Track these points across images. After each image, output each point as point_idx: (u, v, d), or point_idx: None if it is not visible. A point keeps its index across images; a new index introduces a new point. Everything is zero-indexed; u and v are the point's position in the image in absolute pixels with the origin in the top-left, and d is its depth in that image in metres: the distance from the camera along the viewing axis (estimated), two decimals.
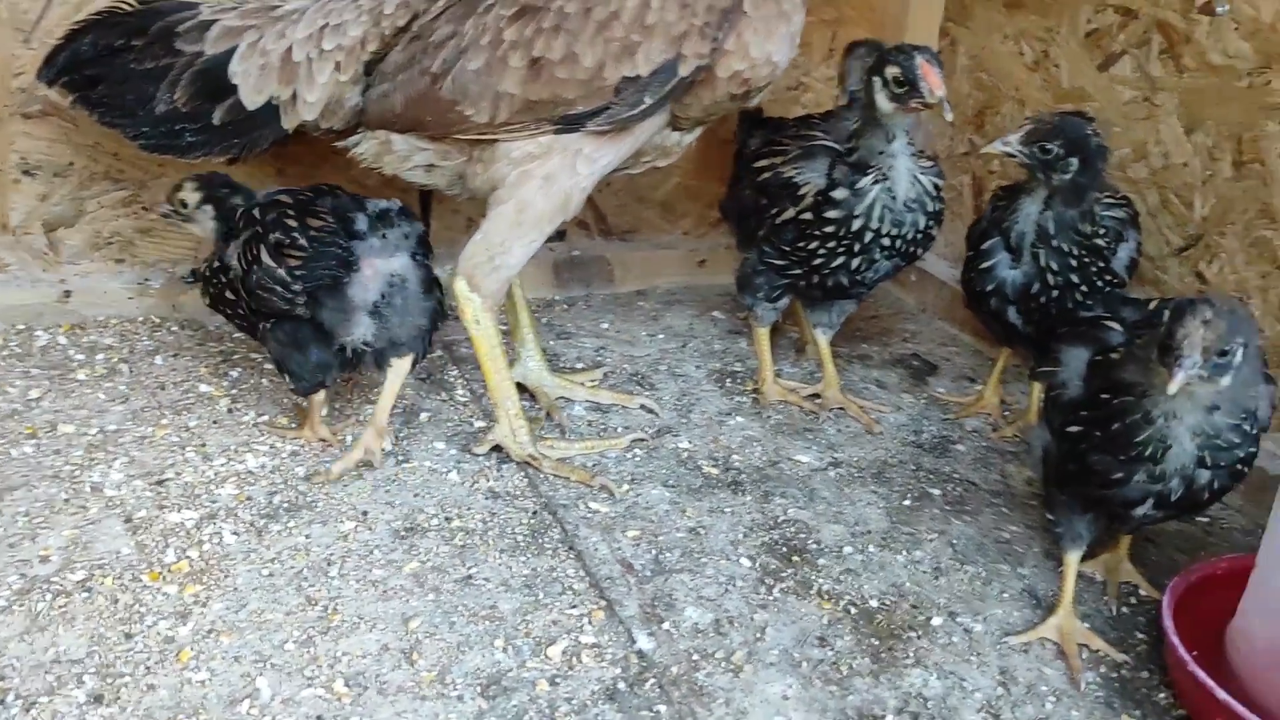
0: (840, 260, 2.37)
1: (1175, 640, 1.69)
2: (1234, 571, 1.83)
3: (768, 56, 2.09)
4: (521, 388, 2.54)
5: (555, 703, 1.67)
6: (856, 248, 2.35)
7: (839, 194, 2.32)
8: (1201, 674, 1.61)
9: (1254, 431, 1.71)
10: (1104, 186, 2.35)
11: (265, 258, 2.12)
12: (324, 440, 2.30)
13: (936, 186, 2.38)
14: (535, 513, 2.15)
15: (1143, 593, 2.04)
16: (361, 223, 2.14)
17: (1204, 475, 1.71)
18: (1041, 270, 2.28)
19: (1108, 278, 2.29)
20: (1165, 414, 1.67)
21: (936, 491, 2.32)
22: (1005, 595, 2.01)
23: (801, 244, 2.39)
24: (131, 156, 2.64)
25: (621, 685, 1.72)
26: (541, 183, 2.14)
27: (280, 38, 2.27)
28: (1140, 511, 1.78)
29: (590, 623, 1.85)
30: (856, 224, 2.32)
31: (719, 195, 3.35)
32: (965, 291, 2.46)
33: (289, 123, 2.28)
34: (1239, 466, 1.72)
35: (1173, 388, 1.57)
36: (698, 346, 2.92)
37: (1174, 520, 1.96)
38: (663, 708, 1.67)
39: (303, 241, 2.10)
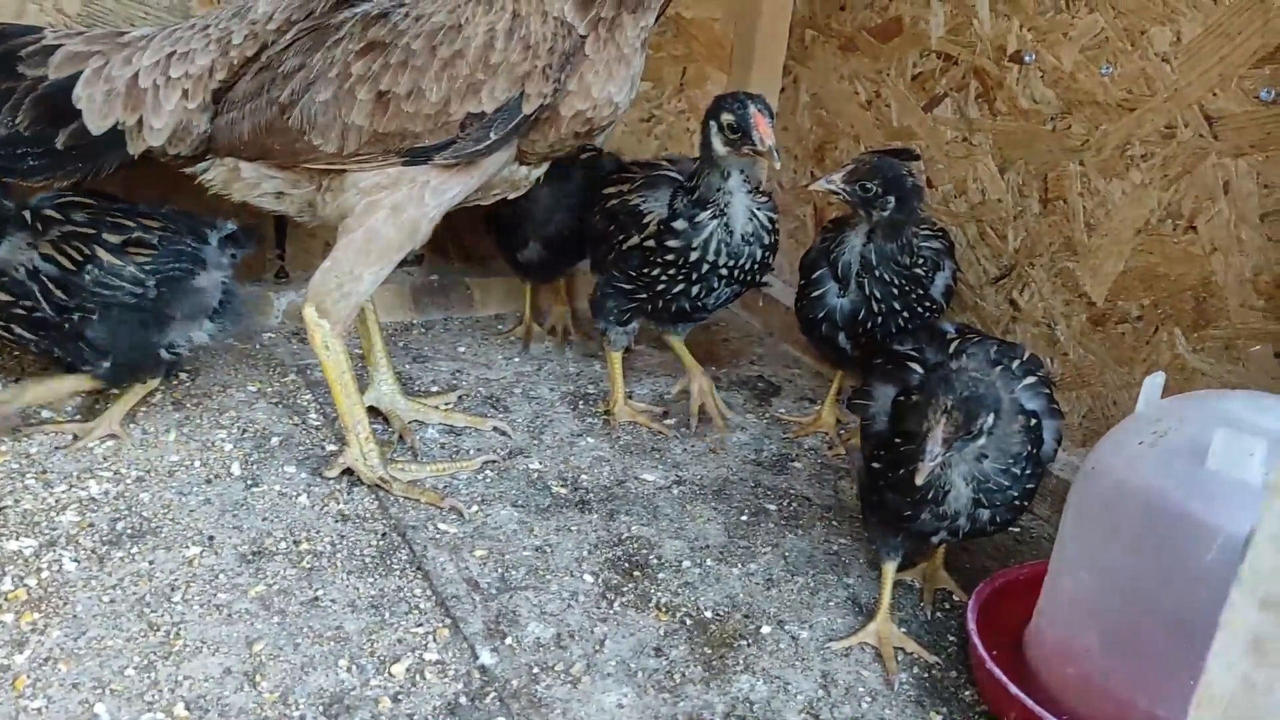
0: (680, 287, 2.49)
1: (976, 640, 1.84)
2: (1035, 577, 1.99)
3: (609, 97, 2.19)
4: (375, 411, 2.59)
5: (397, 717, 1.72)
6: (695, 276, 2.47)
7: (679, 224, 2.43)
8: (998, 671, 1.76)
9: (1025, 471, 1.87)
10: (922, 220, 2.52)
11: (105, 255, 2.24)
12: (114, 435, 2.39)
13: (771, 220, 2.52)
14: (385, 534, 2.19)
15: (956, 598, 2.20)
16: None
17: (984, 514, 1.88)
18: (867, 298, 2.44)
19: (927, 304, 2.46)
20: (946, 462, 1.82)
21: (773, 507, 2.45)
22: (831, 603, 2.14)
23: (645, 270, 2.50)
24: None
25: (463, 700, 1.78)
26: (389, 212, 2.19)
27: (126, 64, 2.28)
28: (936, 539, 1.95)
29: (435, 640, 1.91)
30: (694, 255, 2.44)
31: None
32: (798, 318, 2.61)
33: (135, 149, 2.29)
34: (1016, 502, 1.89)
35: (919, 479, 1.73)
36: (553, 369, 3.00)
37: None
38: (502, 719, 1.74)
39: (152, 240, 2.30)
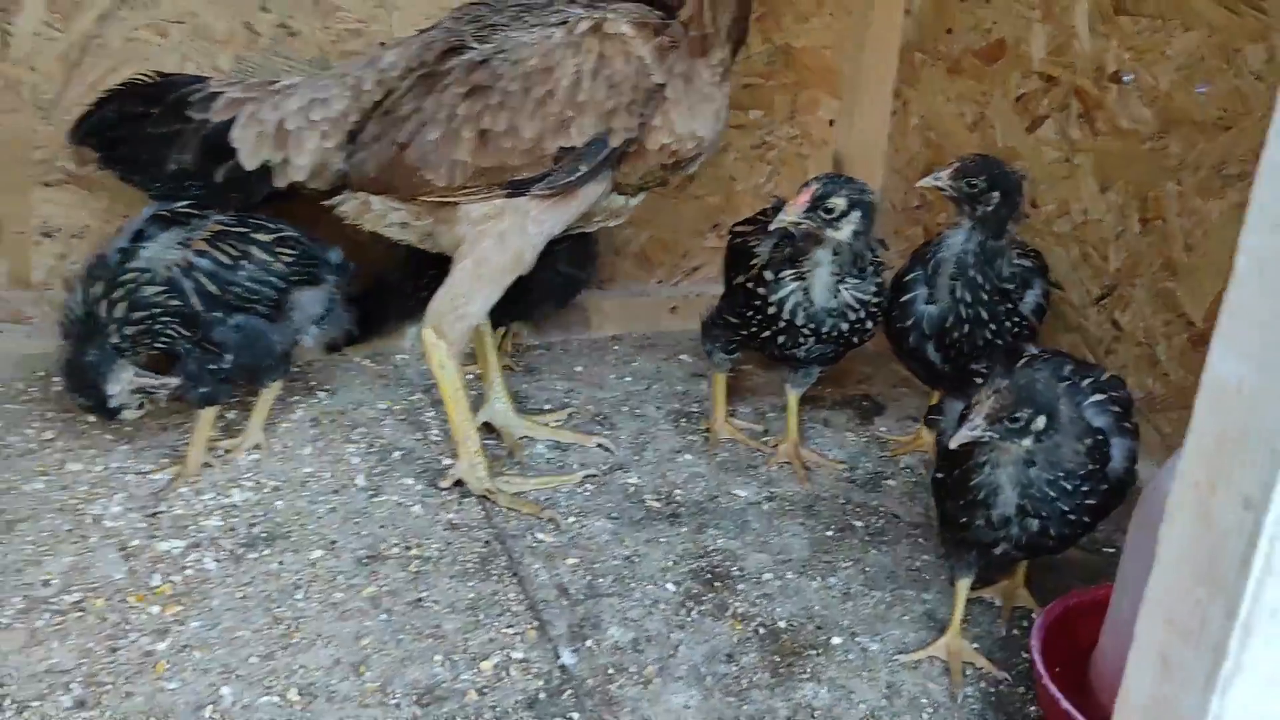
0: (767, 333, 2.56)
1: (1037, 656, 1.87)
2: (1109, 597, 2.01)
3: (692, 132, 2.33)
4: (489, 427, 2.79)
5: (481, 710, 1.89)
6: (777, 328, 2.52)
7: (768, 274, 2.52)
8: (1053, 687, 1.80)
9: (1082, 487, 1.88)
10: (1015, 241, 2.55)
11: (258, 252, 2.50)
12: (259, 446, 2.65)
13: (861, 301, 2.50)
14: (487, 542, 2.37)
15: (1035, 617, 2.22)
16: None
17: (1033, 524, 1.90)
18: (955, 303, 2.47)
19: (1016, 319, 2.48)
20: (990, 461, 1.87)
21: (860, 524, 2.52)
22: (906, 618, 2.20)
23: (742, 309, 2.59)
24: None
25: (542, 695, 1.93)
26: (496, 241, 2.39)
27: (275, 109, 2.55)
28: (999, 552, 1.99)
29: (523, 640, 2.07)
30: (772, 309, 2.52)
31: (690, 247, 3.61)
32: (887, 333, 2.66)
33: (280, 182, 2.55)
34: (1071, 517, 1.91)
35: (953, 442, 1.79)
36: (661, 389, 3.14)
37: (1059, 554, 2.14)
38: (575, 715, 1.89)
39: (298, 239, 2.58)
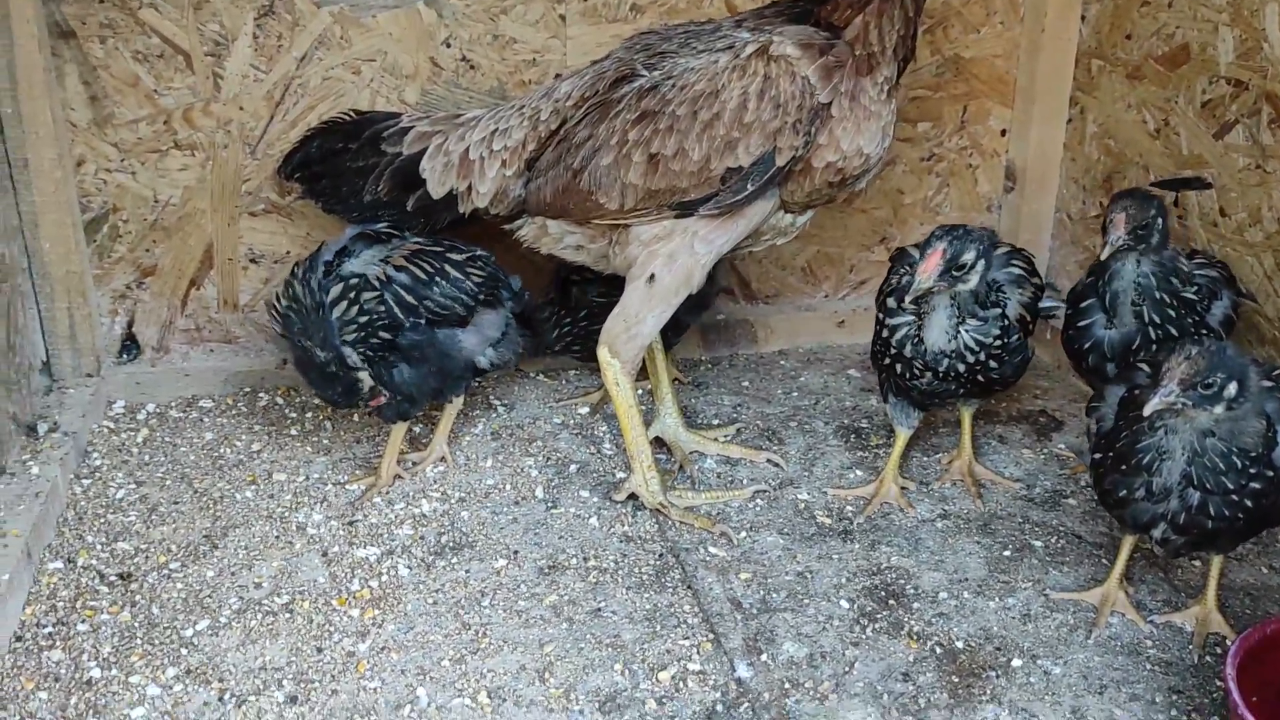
0: (887, 360, 2.51)
1: (1233, 685, 1.81)
2: None
3: (859, 149, 2.34)
4: (660, 442, 2.86)
5: (660, 719, 1.95)
6: (892, 356, 2.48)
7: (890, 302, 2.50)
8: (1250, 716, 1.73)
9: (1250, 469, 1.86)
10: (1194, 252, 2.49)
11: (450, 269, 2.66)
12: (444, 459, 2.79)
13: (981, 343, 2.41)
14: (661, 555, 2.44)
15: (1230, 643, 2.13)
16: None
17: (1194, 497, 1.88)
18: (1144, 326, 2.42)
19: (1204, 332, 2.41)
20: (1165, 427, 1.86)
21: (1039, 543, 2.47)
22: (1091, 642, 2.15)
23: (875, 332, 2.60)
24: None
25: (719, 708, 1.98)
26: (666, 260, 2.46)
27: (460, 140, 2.69)
28: (1158, 534, 1.99)
29: (699, 652, 2.12)
30: (885, 333, 2.49)
31: (857, 261, 3.60)
32: (1064, 348, 2.62)
33: (464, 209, 2.69)
34: (1234, 498, 1.88)
35: (1148, 409, 1.82)
36: (829, 404, 3.15)
37: (1217, 547, 2.09)
38: None
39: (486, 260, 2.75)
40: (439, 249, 2.71)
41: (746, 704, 1.98)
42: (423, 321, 2.63)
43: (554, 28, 3.12)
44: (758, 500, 2.65)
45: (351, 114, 2.88)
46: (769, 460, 2.80)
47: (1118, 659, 2.10)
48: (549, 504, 2.64)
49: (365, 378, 2.59)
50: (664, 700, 2.00)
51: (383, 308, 2.58)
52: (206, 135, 3.01)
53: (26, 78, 2.77)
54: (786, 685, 2.03)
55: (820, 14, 2.34)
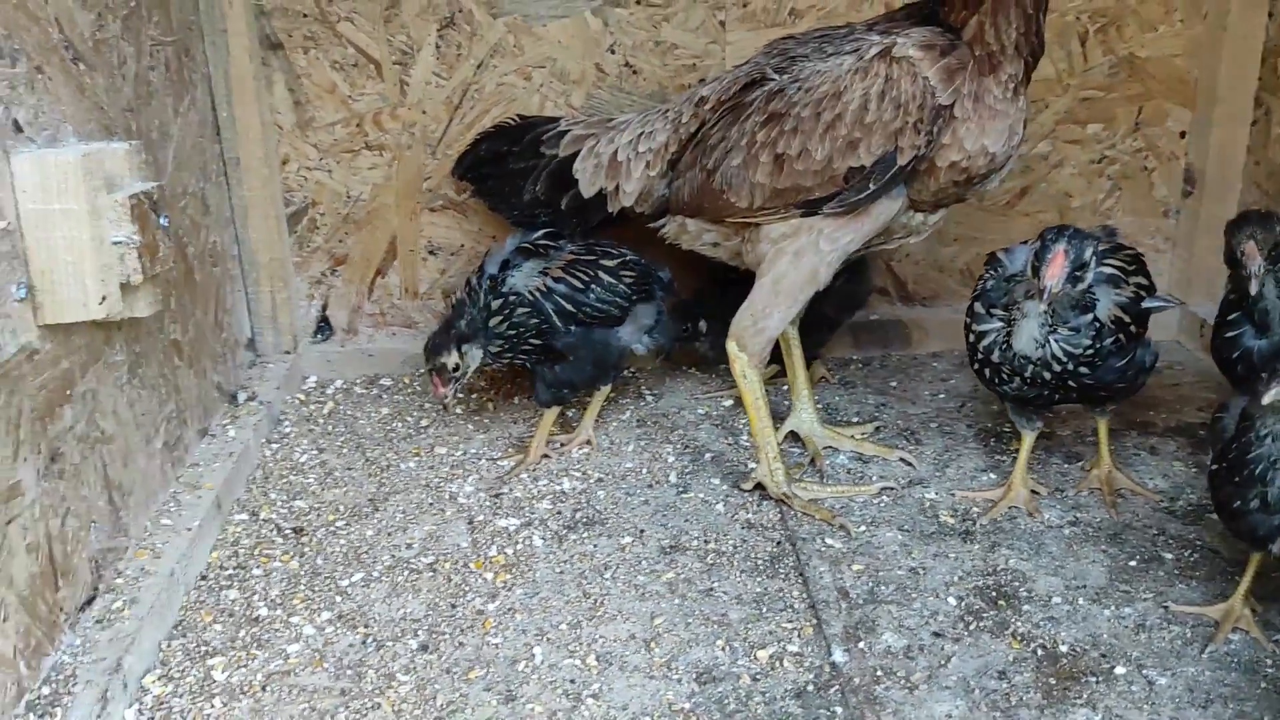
0: (976, 365, 2.51)
1: None
2: None
3: (983, 148, 2.36)
4: (795, 436, 2.94)
5: (752, 693, 2.05)
6: (979, 359, 2.47)
7: (979, 306, 2.48)
8: None
9: None
10: None
11: (605, 276, 2.88)
12: (589, 442, 2.96)
13: (1069, 354, 2.35)
14: (779, 543, 2.53)
15: None
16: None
17: None
18: None
19: None
20: (1272, 434, 1.80)
21: (1170, 556, 2.41)
22: (1205, 656, 2.10)
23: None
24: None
25: (810, 688, 2.06)
26: (792, 258, 2.54)
27: (610, 143, 2.86)
28: (1275, 549, 1.95)
29: (799, 636, 2.20)
30: (972, 338, 2.48)
31: None
32: (1212, 354, 2.55)
33: (613, 207, 2.86)
34: None
35: (1265, 399, 1.83)
36: (975, 407, 3.14)
37: None
38: (839, 709, 2.00)
39: (637, 262, 2.95)
40: (592, 257, 2.91)
41: (837, 687, 2.05)
42: (583, 324, 2.84)
43: (714, 33, 3.25)
44: (884, 497, 2.69)
45: (516, 118, 3.11)
46: (901, 459, 2.83)
47: (1230, 675, 2.05)
48: (680, 489, 2.77)
49: (458, 360, 2.81)
50: (758, 677, 2.09)
51: (535, 320, 2.81)
52: (393, 137, 3.30)
53: (240, 85, 3.13)
54: (879, 673, 2.08)
55: (943, 15, 2.37)
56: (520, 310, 2.82)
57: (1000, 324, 2.42)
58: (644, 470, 2.86)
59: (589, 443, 2.98)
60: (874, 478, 2.78)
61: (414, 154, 3.33)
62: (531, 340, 2.84)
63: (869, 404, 3.19)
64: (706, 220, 2.71)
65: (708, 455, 2.92)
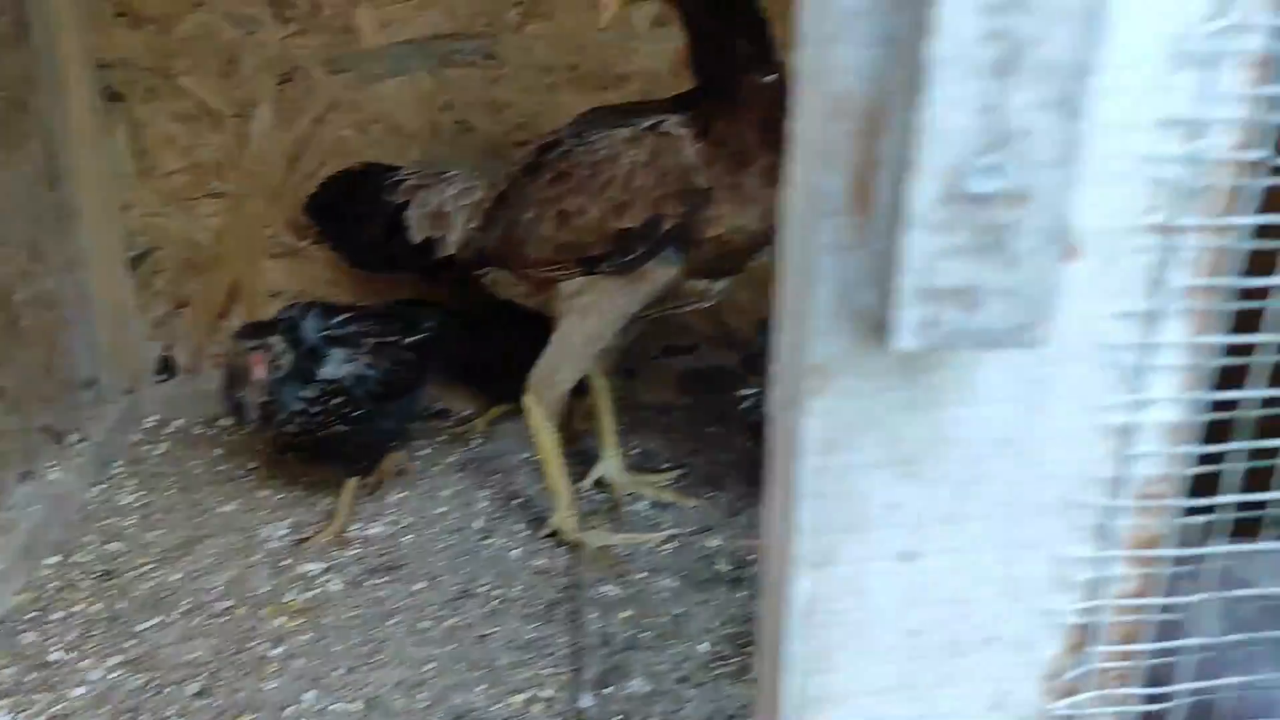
0: None
1: None
2: None
3: (741, 227, 2.53)
4: (601, 483, 3.10)
5: None
6: None
7: None
8: None
9: None
10: None
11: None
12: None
13: None
14: (565, 588, 2.67)
15: None
16: None
17: None
18: None
19: None
20: None
21: None
22: None
23: None
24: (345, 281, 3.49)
25: None
26: (580, 315, 2.70)
27: (439, 194, 3.02)
28: None
29: (555, 681, 2.35)
30: None
31: None
32: None
33: (440, 254, 3.01)
34: None
35: None
36: None
37: None
38: None
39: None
40: (392, 339, 2.98)
41: None
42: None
43: (543, 94, 3.41)
44: (674, 544, 2.85)
45: (360, 166, 3.25)
46: (695, 507, 3.00)
47: None
48: (484, 534, 2.91)
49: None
50: None
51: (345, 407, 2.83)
52: (234, 186, 3.42)
53: (79, 135, 3.24)
54: (620, 717, 2.24)
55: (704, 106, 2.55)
56: (335, 400, 2.82)
57: None
58: (453, 515, 3.00)
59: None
60: (667, 524, 2.94)
61: (254, 203, 3.45)
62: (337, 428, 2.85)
63: (684, 449, 3.35)
64: (513, 273, 2.86)
65: (517, 501, 3.07)
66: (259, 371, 2.68)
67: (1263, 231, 0.82)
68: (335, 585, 2.70)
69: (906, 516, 0.91)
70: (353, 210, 3.20)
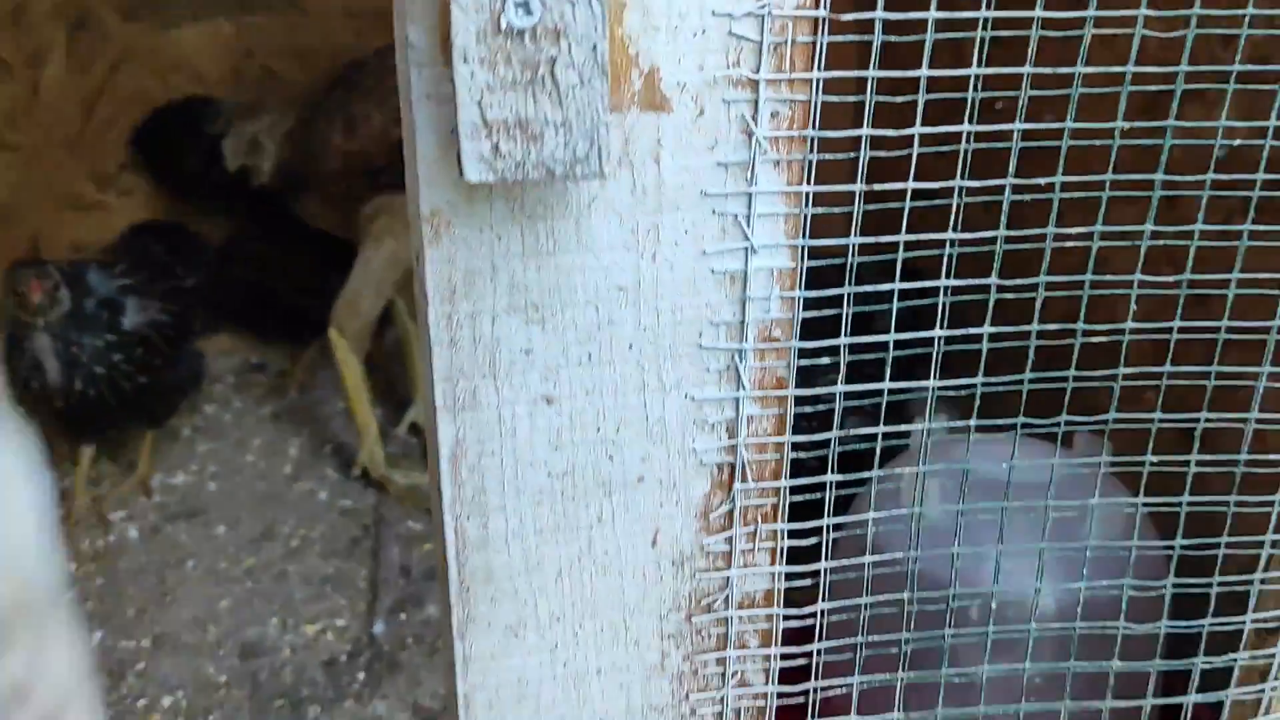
0: None
1: None
2: None
3: None
4: (416, 428, 3.12)
5: (287, 665, 2.22)
6: None
7: None
8: None
9: None
10: None
11: None
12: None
13: None
14: (367, 526, 2.70)
15: None
16: None
17: None
18: None
19: None
20: None
21: None
22: None
23: None
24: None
25: (343, 658, 2.24)
26: (376, 240, 2.79)
27: (253, 124, 3.03)
28: None
29: (350, 612, 2.38)
30: None
31: None
32: None
33: (256, 182, 3.02)
34: None
35: None
36: None
37: None
38: (362, 674, 2.19)
39: None
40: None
41: (366, 655, 2.24)
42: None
43: (348, 39, 3.39)
44: None
45: (182, 99, 3.22)
46: None
47: None
48: (292, 479, 2.91)
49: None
50: (298, 650, 2.26)
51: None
52: (27, 136, 3.31)
53: None
54: (410, 641, 2.28)
55: None
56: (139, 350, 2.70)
57: None
58: (261, 463, 2.99)
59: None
60: None
61: (52, 154, 3.35)
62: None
63: None
64: (319, 196, 2.88)
65: (329, 446, 3.07)
66: (36, 295, 2.46)
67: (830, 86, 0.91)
68: (133, 532, 2.67)
69: (541, 361, 0.98)
70: (174, 142, 3.18)
